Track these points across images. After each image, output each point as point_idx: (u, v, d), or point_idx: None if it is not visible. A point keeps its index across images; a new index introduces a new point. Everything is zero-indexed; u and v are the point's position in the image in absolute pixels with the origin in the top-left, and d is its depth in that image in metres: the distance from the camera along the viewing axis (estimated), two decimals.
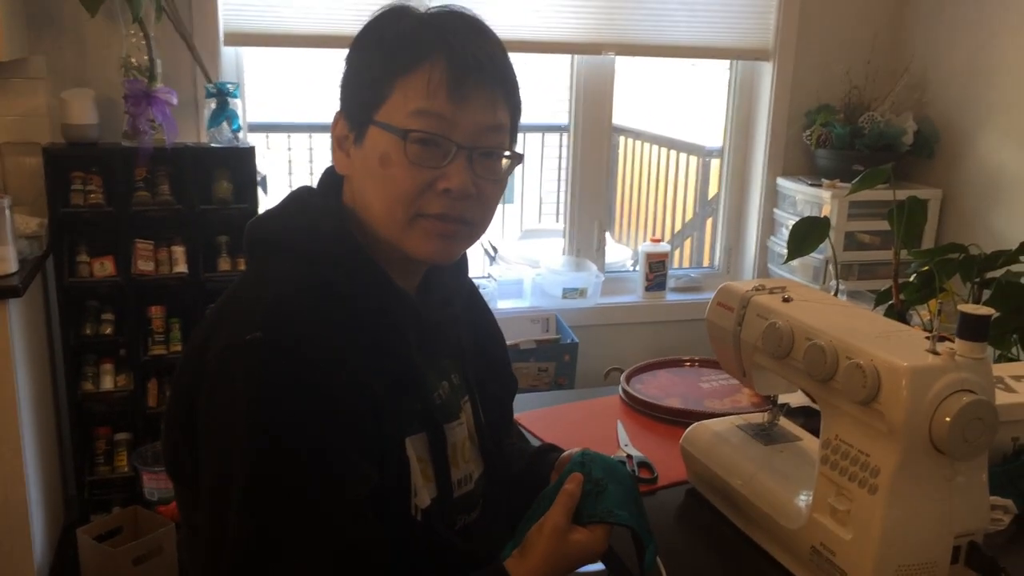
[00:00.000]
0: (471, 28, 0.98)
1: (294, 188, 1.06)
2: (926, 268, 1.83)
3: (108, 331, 2.49)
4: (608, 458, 1.05)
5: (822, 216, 2.83)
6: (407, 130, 0.93)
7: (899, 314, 1.80)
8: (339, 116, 1.00)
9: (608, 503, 0.99)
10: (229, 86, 2.49)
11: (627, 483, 1.03)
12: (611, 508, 0.99)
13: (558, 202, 4.71)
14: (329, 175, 1.06)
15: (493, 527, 1.09)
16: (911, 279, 1.85)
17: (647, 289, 3.19)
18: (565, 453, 1.15)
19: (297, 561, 0.85)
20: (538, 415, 1.60)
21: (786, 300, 1.18)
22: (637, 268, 3.27)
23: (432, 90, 0.93)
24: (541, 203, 5.21)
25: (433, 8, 0.98)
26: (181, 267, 2.50)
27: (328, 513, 0.87)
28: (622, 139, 4.76)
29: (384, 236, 0.97)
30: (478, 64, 0.94)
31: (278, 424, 0.86)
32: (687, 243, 4.43)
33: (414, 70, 0.93)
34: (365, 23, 1.00)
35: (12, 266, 2.15)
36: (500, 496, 1.12)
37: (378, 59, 0.96)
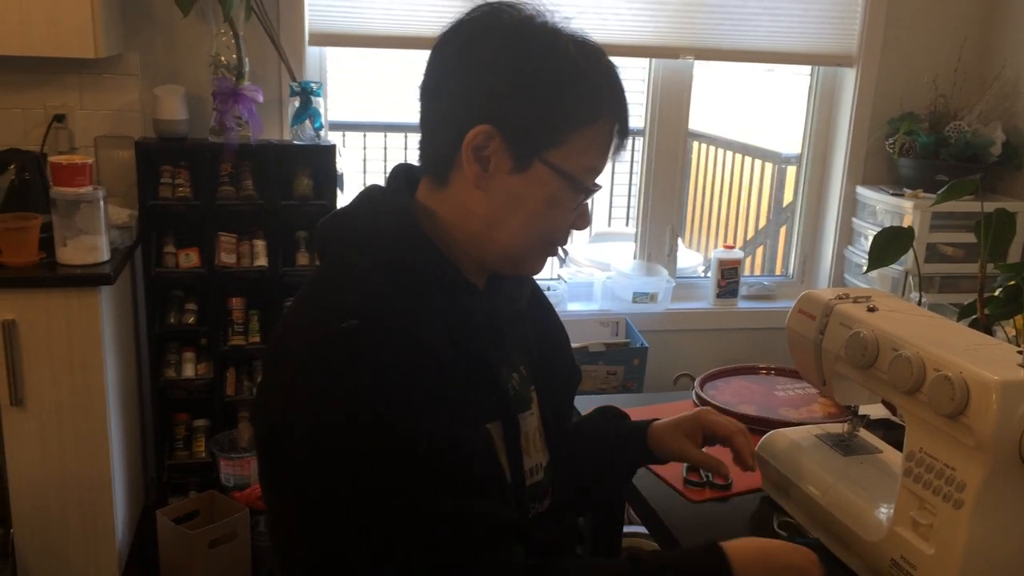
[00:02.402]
0: (619, 75, 1.02)
1: (365, 187, 1.08)
2: (1012, 283, 1.78)
3: (191, 320, 2.58)
4: None
5: (904, 226, 2.77)
6: (586, 186, 1.00)
7: (984, 329, 1.75)
8: (488, 130, 0.95)
9: None
10: (313, 85, 2.55)
11: None
12: None
13: (628, 206, 4.69)
14: (398, 173, 1.08)
15: (563, 517, 1.11)
16: (996, 293, 1.80)
17: (718, 296, 3.16)
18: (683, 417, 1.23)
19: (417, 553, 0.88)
20: None
21: (871, 310, 1.17)
22: (709, 274, 3.24)
23: (604, 149, 1.00)
24: (611, 207, 5.20)
25: (577, 35, 0.99)
26: (261, 260, 2.57)
27: (429, 496, 0.88)
28: (695, 144, 4.72)
29: (498, 249, 1.00)
30: (629, 123, 1.03)
31: (369, 413, 0.87)
32: (759, 250, 4.37)
33: (591, 124, 0.98)
34: (515, 30, 0.96)
35: (104, 255, 2.24)
36: (567, 486, 1.14)
37: (556, 100, 0.96)
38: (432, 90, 1.01)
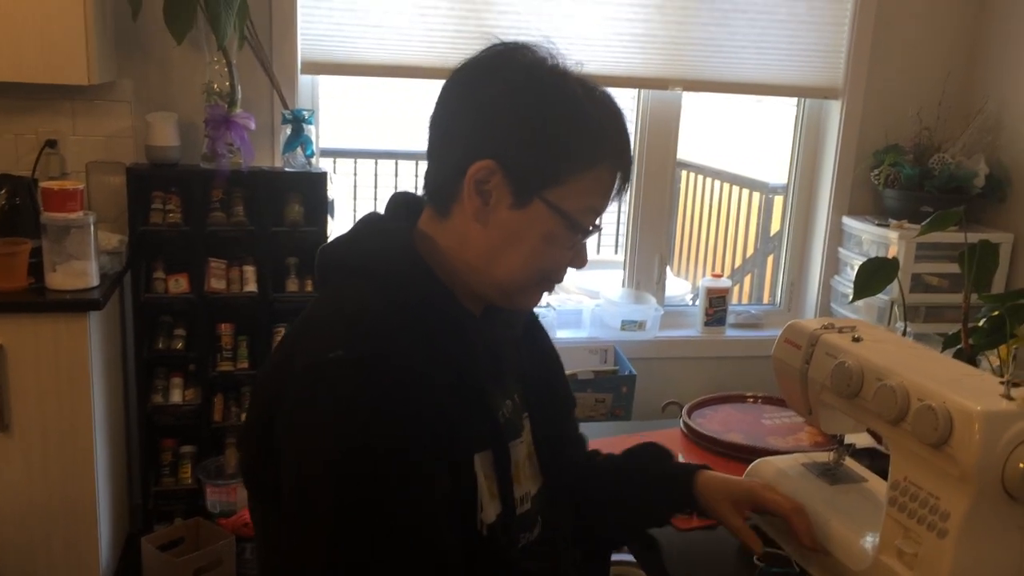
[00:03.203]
0: (625, 120, 1.04)
1: (364, 214, 1.09)
2: (996, 313, 1.80)
3: (179, 346, 2.57)
4: None
5: (889, 257, 2.80)
6: (584, 226, 1.00)
7: (968, 359, 1.77)
8: (491, 165, 0.97)
9: None
10: (304, 113, 2.57)
11: None
12: None
13: (616, 234, 4.72)
14: (398, 201, 1.09)
15: (557, 545, 1.10)
16: (980, 323, 1.82)
17: (706, 324, 3.18)
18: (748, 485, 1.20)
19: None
20: (598, 444, 1.60)
21: (856, 340, 1.18)
22: (696, 302, 3.26)
23: (605, 191, 1.01)
24: (600, 235, 5.24)
25: (587, 79, 1.01)
26: (251, 286, 2.57)
27: (417, 528, 0.89)
28: (684, 173, 4.76)
29: (493, 282, 1.01)
30: (631, 168, 1.04)
31: (364, 442, 0.88)
32: (747, 279, 4.40)
33: (593, 166, 1.00)
34: (525, 71, 0.98)
35: (94, 280, 2.24)
36: (560, 515, 1.14)
37: (559, 141, 0.97)
38: (440, 122, 1.03)
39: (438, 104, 1.03)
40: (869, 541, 1.13)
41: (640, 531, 1.28)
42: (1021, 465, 0.95)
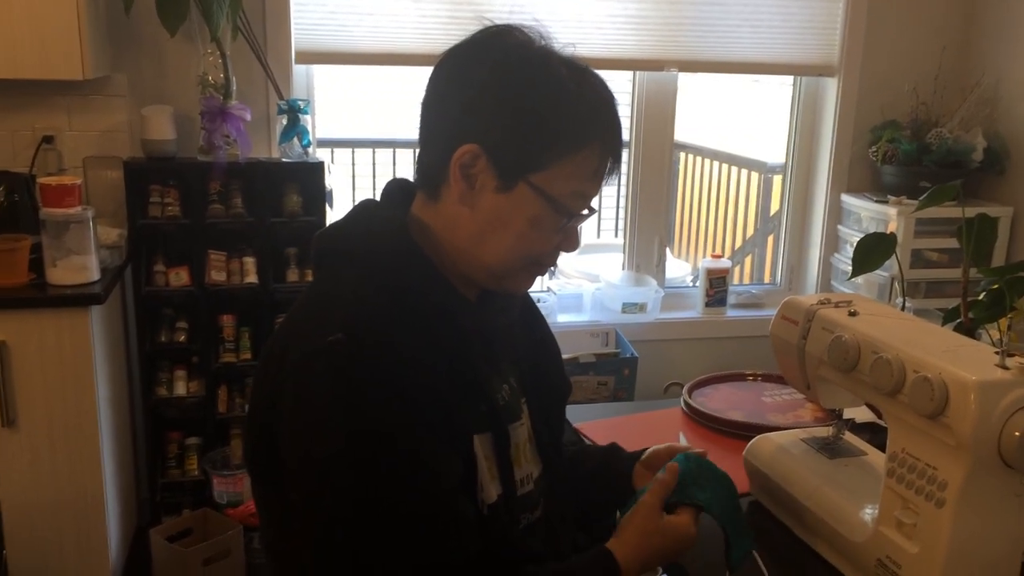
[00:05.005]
0: (615, 103, 1.03)
1: (359, 201, 1.10)
2: (996, 286, 1.80)
3: (182, 339, 2.58)
4: (709, 464, 1.11)
5: (888, 233, 2.80)
6: (571, 211, 1.00)
7: (968, 332, 1.77)
8: (475, 149, 0.97)
9: (693, 491, 1.07)
10: (300, 103, 2.57)
11: (724, 482, 1.10)
12: (694, 493, 1.07)
13: (616, 217, 4.72)
14: (392, 187, 1.09)
15: (556, 527, 1.11)
16: (980, 297, 1.82)
17: (707, 305, 3.18)
18: (657, 448, 1.20)
19: (400, 558, 0.89)
20: (600, 425, 1.62)
21: (852, 314, 1.19)
22: (697, 284, 3.27)
23: (592, 175, 1.00)
24: (600, 218, 5.22)
25: (575, 61, 1.00)
26: (252, 277, 2.58)
27: (425, 506, 0.90)
28: (682, 155, 4.75)
29: (481, 265, 1.02)
30: (622, 151, 1.04)
31: (367, 423, 0.89)
32: (747, 259, 4.40)
33: (580, 150, 0.99)
34: (510, 52, 0.98)
35: (94, 275, 2.25)
36: (562, 495, 1.15)
37: (542, 124, 0.97)
38: (429, 106, 1.03)
39: (428, 88, 1.03)
40: (868, 513, 1.14)
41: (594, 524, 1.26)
42: (1017, 433, 0.96)
